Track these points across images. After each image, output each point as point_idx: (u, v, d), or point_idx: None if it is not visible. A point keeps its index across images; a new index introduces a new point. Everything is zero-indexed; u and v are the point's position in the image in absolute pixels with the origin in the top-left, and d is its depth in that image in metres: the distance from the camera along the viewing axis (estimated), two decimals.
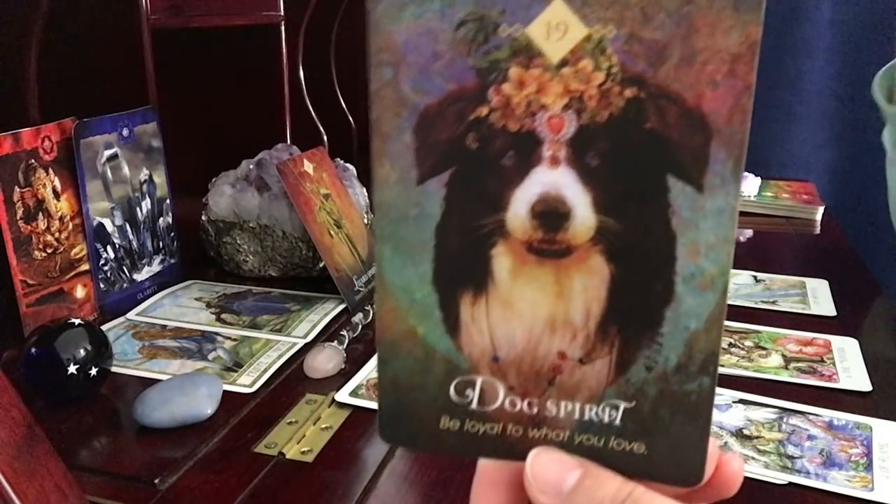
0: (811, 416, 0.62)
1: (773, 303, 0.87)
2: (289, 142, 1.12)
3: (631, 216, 0.24)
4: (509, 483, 0.27)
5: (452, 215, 0.25)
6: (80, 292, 0.77)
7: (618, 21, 0.23)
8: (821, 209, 1.24)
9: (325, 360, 0.69)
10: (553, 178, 0.24)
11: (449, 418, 0.27)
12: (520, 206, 0.25)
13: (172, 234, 0.90)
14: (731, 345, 0.75)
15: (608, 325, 0.25)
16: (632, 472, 0.25)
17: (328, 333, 0.77)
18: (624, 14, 0.23)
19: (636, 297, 0.25)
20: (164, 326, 0.78)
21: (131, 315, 0.81)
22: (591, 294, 0.25)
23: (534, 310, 0.25)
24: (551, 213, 0.25)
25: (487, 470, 0.28)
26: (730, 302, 0.25)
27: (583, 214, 0.25)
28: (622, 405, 0.26)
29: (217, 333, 0.76)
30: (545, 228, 0.25)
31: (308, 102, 1.24)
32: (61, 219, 0.74)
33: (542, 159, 0.24)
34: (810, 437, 0.59)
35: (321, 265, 0.88)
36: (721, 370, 0.26)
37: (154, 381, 0.63)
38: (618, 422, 0.26)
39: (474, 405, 0.26)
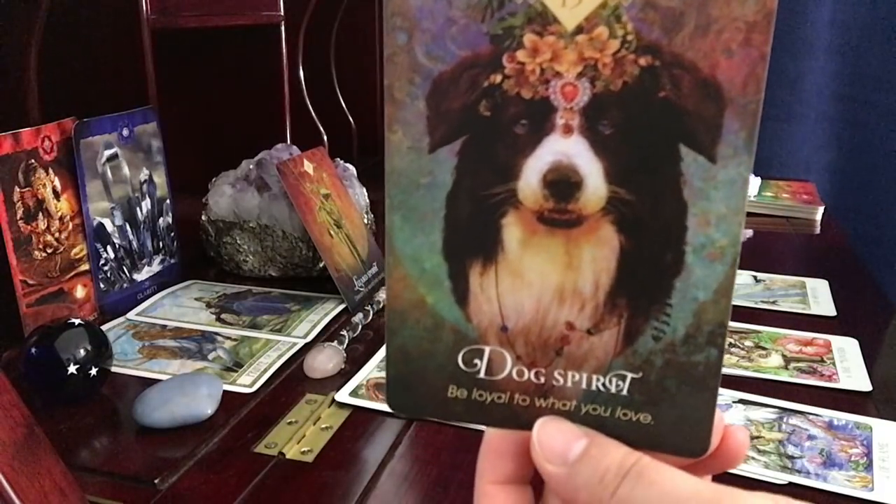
0: (811, 416, 0.62)
1: (773, 303, 0.87)
2: (289, 142, 1.12)
3: (642, 186, 0.24)
4: (515, 452, 0.27)
5: (463, 184, 0.25)
6: (80, 292, 0.77)
7: None
8: (821, 209, 1.24)
9: (325, 360, 0.69)
10: (565, 147, 0.24)
11: (456, 387, 0.27)
12: (531, 175, 0.25)
13: (172, 234, 0.90)
14: (731, 345, 0.75)
15: (617, 295, 0.25)
16: (638, 442, 0.25)
17: (328, 333, 0.77)
18: None
19: (646, 268, 0.25)
20: (164, 326, 0.78)
21: (131, 315, 0.81)
22: (601, 265, 0.25)
23: (543, 280, 0.25)
24: (563, 183, 0.24)
25: (494, 439, 0.28)
26: None
27: (594, 184, 0.24)
28: (629, 375, 0.26)
29: (217, 333, 0.76)
30: (556, 198, 0.25)
31: (308, 102, 1.24)
32: (61, 219, 0.74)
33: (555, 127, 0.24)
34: (810, 437, 0.59)
35: (321, 265, 0.88)
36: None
37: (154, 381, 0.63)
38: (624, 392, 0.26)
39: (482, 374, 0.27)
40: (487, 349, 0.26)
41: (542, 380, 0.26)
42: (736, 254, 0.24)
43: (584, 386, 0.26)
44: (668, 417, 0.26)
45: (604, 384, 0.26)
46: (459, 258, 0.26)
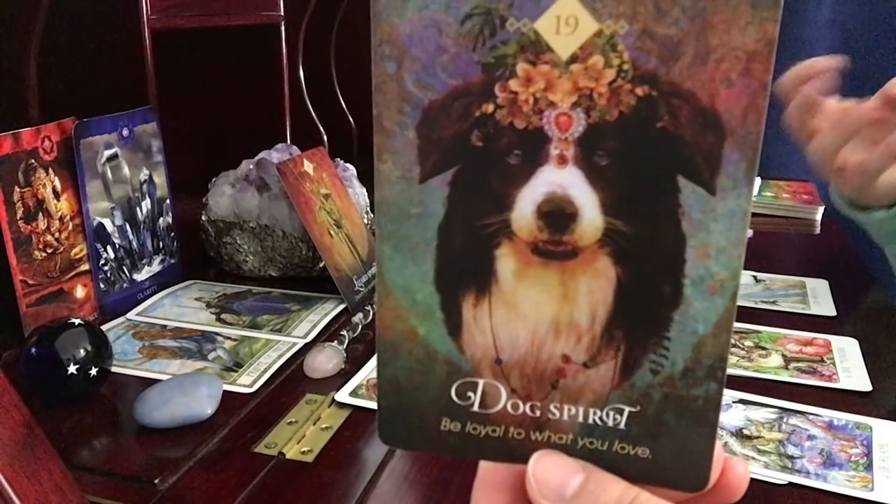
0: (811, 416, 0.62)
1: (773, 303, 0.87)
2: (289, 142, 1.12)
3: (640, 218, 0.24)
4: (511, 486, 0.27)
5: (456, 214, 0.24)
6: (80, 292, 0.77)
7: (630, 16, 0.22)
8: (821, 209, 1.24)
9: (325, 360, 0.69)
10: (560, 178, 0.24)
11: (450, 420, 0.26)
12: (525, 206, 0.24)
13: (172, 234, 0.90)
14: (731, 345, 0.75)
15: (614, 328, 0.25)
16: (636, 476, 0.25)
17: (328, 333, 0.77)
18: (636, 9, 0.22)
19: (643, 301, 0.24)
20: (164, 326, 0.78)
21: (131, 315, 0.81)
22: (598, 297, 0.25)
23: (538, 312, 0.25)
24: (558, 214, 0.24)
25: (489, 473, 0.27)
26: None
27: (590, 215, 0.24)
28: (627, 409, 0.25)
29: (217, 333, 0.76)
30: (551, 229, 0.24)
31: (308, 102, 1.24)
32: (61, 219, 0.74)
33: (550, 158, 0.24)
34: (810, 437, 0.59)
35: (321, 265, 0.88)
36: None
37: (154, 381, 0.63)
38: (622, 426, 0.25)
39: (476, 407, 0.26)
40: (481, 382, 0.26)
41: (538, 413, 0.26)
42: (736, 286, 0.24)
43: (580, 419, 0.26)
44: (667, 451, 0.25)
45: (601, 417, 0.26)
46: (452, 289, 0.25)
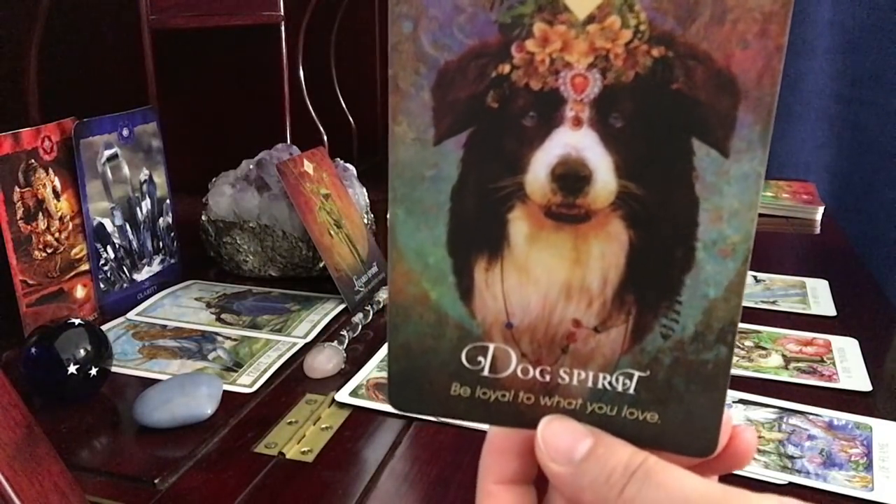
0: (811, 416, 0.62)
1: (773, 303, 0.87)
2: (289, 142, 1.12)
3: (654, 180, 0.24)
4: (520, 451, 0.27)
5: (469, 177, 0.24)
6: (80, 292, 0.77)
7: None
8: (821, 209, 1.24)
9: (325, 360, 0.69)
10: (575, 140, 0.24)
11: (460, 385, 0.26)
12: (539, 169, 0.24)
13: (172, 234, 0.90)
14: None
15: (625, 292, 0.25)
16: (644, 441, 0.25)
17: (328, 333, 0.77)
18: None
19: (655, 264, 0.24)
20: (164, 326, 0.78)
21: (131, 315, 0.81)
22: (610, 261, 0.24)
23: (550, 276, 0.25)
24: (571, 176, 0.24)
25: (497, 438, 0.27)
26: None
27: (604, 178, 0.24)
28: (636, 374, 0.25)
29: (217, 333, 0.76)
30: (564, 192, 0.24)
31: (308, 102, 1.24)
32: (61, 219, 0.74)
33: (565, 120, 0.23)
34: (810, 437, 0.59)
35: (321, 265, 0.88)
36: None
37: (154, 381, 0.63)
38: (631, 391, 0.25)
39: (486, 372, 0.26)
40: (492, 346, 0.26)
41: (548, 378, 0.26)
42: (748, 250, 0.24)
43: (590, 384, 0.26)
44: (676, 417, 0.25)
45: (610, 383, 0.26)
46: (464, 253, 0.25)
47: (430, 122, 0.24)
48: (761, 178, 0.23)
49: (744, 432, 0.26)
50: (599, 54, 0.23)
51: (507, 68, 0.23)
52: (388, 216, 0.25)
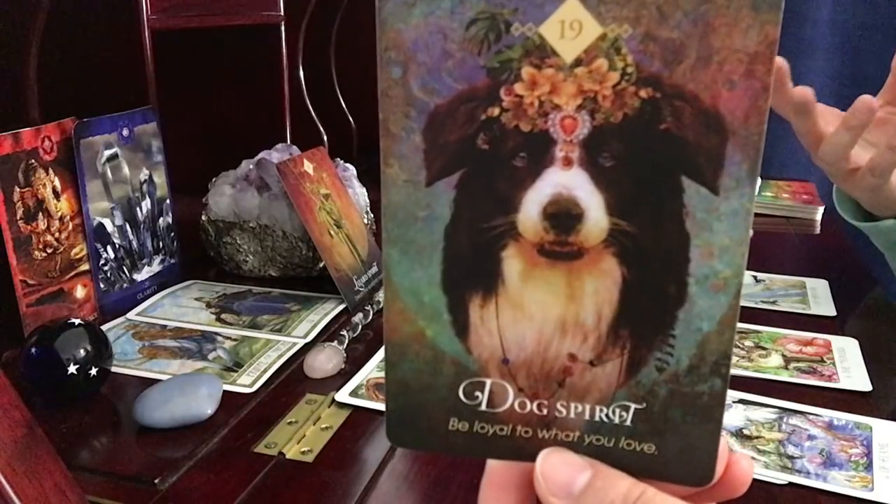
0: (811, 416, 0.62)
1: (773, 303, 0.87)
2: (289, 142, 1.12)
3: (644, 218, 0.24)
4: (519, 484, 0.27)
5: (462, 217, 0.25)
6: (80, 292, 0.77)
7: (633, 20, 0.23)
8: (821, 209, 1.24)
9: (325, 360, 0.69)
10: (566, 180, 0.24)
11: (458, 420, 0.27)
12: (531, 208, 0.24)
13: (172, 234, 0.90)
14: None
15: (620, 327, 0.25)
16: (642, 472, 0.25)
17: (328, 333, 0.77)
18: (640, 13, 0.23)
19: (648, 299, 0.25)
20: (164, 326, 0.78)
21: (131, 315, 0.81)
22: (603, 296, 0.25)
23: (544, 312, 0.25)
24: (563, 215, 0.24)
25: (496, 471, 0.28)
26: None
27: (595, 216, 0.24)
28: (633, 406, 0.26)
29: (217, 333, 0.76)
30: (557, 230, 0.25)
31: (308, 102, 1.24)
32: (61, 219, 0.74)
33: (555, 160, 0.24)
34: (810, 437, 0.59)
35: (321, 265, 0.88)
36: None
37: (154, 381, 0.63)
38: (628, 422, 0.26)
39: (483, 407, 0.26)
40: (489, 381, 0.26)
41: (545, 411, 0.26)
42: (739, 284, 0.24)
43: (587, 417, 0.26)
44: (673, 447, 0.26)
45: (607, 415, 0.26)
46: (459, 291, 0.26)
47: (422, 165, 0.24)
48: (750, 214, 0.24)
49: (740, 461, 0.26)
50: (588, 96, 0.23)
51: (496, 111, 0.24)
52: (382, 256, 0.26)
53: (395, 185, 0.25)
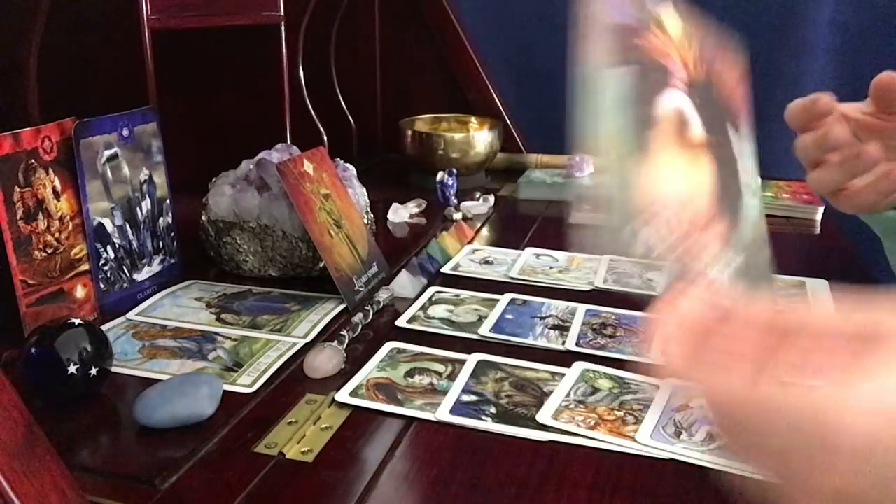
0: None
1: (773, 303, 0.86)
2: (289, 142, 1.12)
3: (717, 137, 0.38)
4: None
5: (630, 96, 0.35)
6: (80, 292, 0.77)
7: None
8: (821, 209, 1.24)
9: (325, 360, 0.69)
10: (679, 99, 0.37)
11: None
12: (664, 108, 0.37)
13: (172, 234, 0.90)
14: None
15: (718, 204, 0.37)
16: None
17: (328, 333, 0.77)
18: None
19: (727, 190, 0.38)
20: (164, 326, 0.78)
21: (131, 315, 0.81)
22: (708, 179, 0.37)
23: (674, 183, 0.36)
24: (681, 119, 0.37)
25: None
26: None
27: (696, 127, 0.38)
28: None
29: (217, 333, 0.76)
30: (677, 128, 0.37)
31: (308, 102, 1.24)
32: (61, 219, 0.74)
33: (673, 84, 0.37)
34: None
35: (321, 265, 0.88)
36: None
37: (154, 381, 0.63)
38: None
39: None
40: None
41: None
42: (760, 198, 0.42)
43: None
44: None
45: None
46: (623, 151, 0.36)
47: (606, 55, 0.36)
48: (754, 155, 0.42)
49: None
50: (683, 57, 0.39)
51: (642, 41, 0.37)
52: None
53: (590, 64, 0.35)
